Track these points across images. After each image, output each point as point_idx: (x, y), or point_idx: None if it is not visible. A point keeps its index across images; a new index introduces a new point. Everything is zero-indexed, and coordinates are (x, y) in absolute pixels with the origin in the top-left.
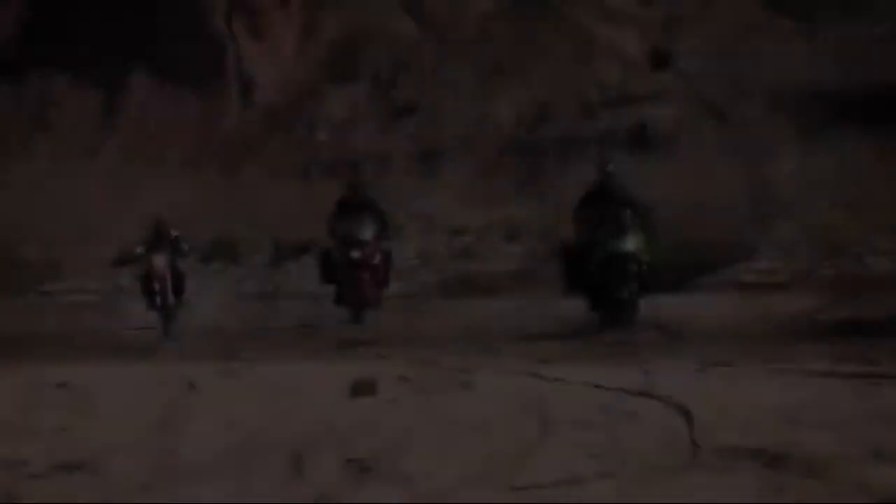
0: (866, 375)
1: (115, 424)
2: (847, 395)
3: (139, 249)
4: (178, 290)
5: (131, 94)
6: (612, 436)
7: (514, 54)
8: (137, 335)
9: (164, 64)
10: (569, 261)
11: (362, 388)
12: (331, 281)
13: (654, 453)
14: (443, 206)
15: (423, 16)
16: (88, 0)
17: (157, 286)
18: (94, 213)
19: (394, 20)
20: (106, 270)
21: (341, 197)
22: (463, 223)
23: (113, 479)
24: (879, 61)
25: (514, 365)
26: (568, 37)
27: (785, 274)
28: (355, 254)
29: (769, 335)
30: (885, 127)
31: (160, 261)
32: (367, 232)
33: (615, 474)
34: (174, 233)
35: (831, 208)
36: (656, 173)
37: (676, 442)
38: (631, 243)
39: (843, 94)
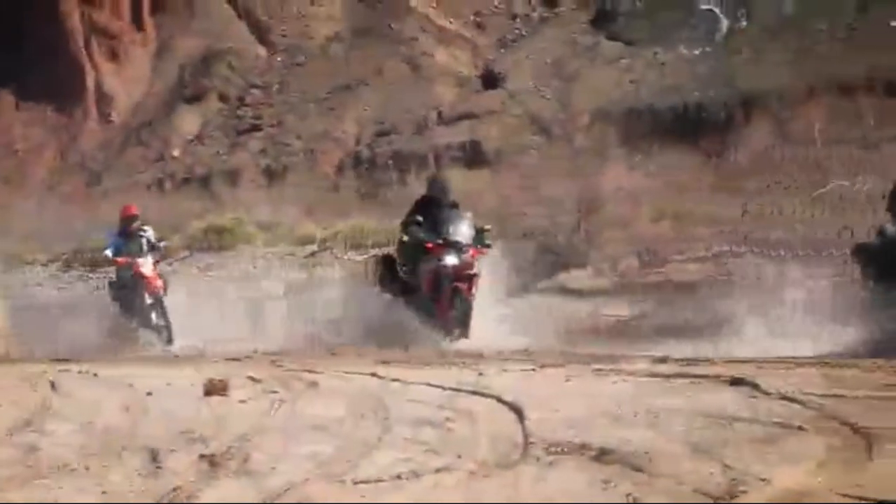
0: (683, 376)
1: None
2: (667, 394)
3: (108, 252)
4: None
5: None
6: (448, 433)
7: (354, 75)
8: None
9: (28, 86)
10: (875, 260)
11: (214, 388)
12: (393, 292)
13: (487, 449)
14: (288, 216)
15: (270, 39)
16: None
17: (149, 299)
18: None
19: (242, 43)
20: None
21: (423, 195)
22: (308, 233)
23: None
24: (697, 80)
25: (357, 366)
26: (405, 59)
27: (610, 281)
28: (451, 259)
29: (596, 338)
30: (704, 142)
31: (147, 267)
32: (465, 235)
33: (451, 468)
34: (149, 231)
35: (655, 219)
36: (488, 186)
37: (509, 438)
38: None
39: (664, 111)
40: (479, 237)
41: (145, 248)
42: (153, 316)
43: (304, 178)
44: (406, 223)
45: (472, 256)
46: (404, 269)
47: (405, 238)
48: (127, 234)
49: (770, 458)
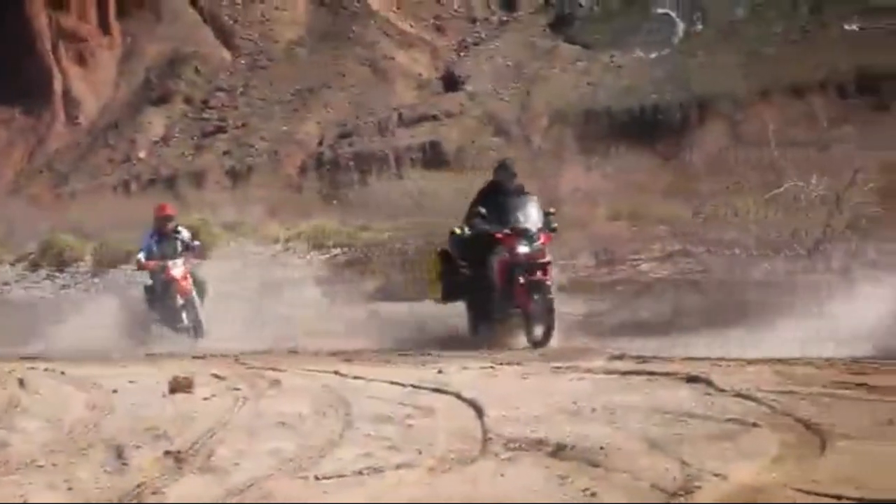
0: (640, 373)
1: None
2: (623, 391)
3: (140, 257)
4: (200, 299)
5: None
6: (409, 429)
7: (317, 78)
8: None
9: None
10: None
11: (180, 386)
12: (455, 295)
13: (446, 445)
14: (253, 217)
15: (235, 43)
16: None
17: (180, 300)
18: None
19: (208, 47)
20: None
21: (490, 181)
22: (272, 234)
23: None
24: (654, 83)
25: (319, 364)
26: (367, 62)
27: (567, 279)
28: (523, 248)
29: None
30: (660, 143)
31: (178, 269)
32: (534, 221)
33: (411, 464)
34: (184, 233)
35: (612, 219)
36: (447, 187)
37: (468, 434)
38: None
39: (621, 112)
40: (547, 220)
41: (179, 249)
42: (184, 316)
43: (267, 179)
44: (469, 215)
45: (544, 244)
46: (463, 263)
47: (457, 230)
48: (162, 235)
49: (725, 455)
